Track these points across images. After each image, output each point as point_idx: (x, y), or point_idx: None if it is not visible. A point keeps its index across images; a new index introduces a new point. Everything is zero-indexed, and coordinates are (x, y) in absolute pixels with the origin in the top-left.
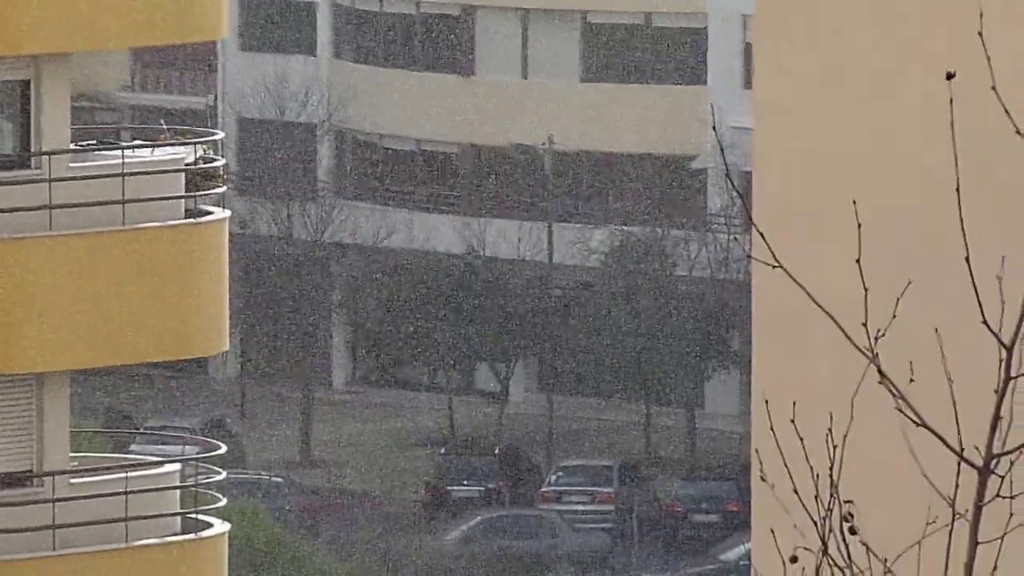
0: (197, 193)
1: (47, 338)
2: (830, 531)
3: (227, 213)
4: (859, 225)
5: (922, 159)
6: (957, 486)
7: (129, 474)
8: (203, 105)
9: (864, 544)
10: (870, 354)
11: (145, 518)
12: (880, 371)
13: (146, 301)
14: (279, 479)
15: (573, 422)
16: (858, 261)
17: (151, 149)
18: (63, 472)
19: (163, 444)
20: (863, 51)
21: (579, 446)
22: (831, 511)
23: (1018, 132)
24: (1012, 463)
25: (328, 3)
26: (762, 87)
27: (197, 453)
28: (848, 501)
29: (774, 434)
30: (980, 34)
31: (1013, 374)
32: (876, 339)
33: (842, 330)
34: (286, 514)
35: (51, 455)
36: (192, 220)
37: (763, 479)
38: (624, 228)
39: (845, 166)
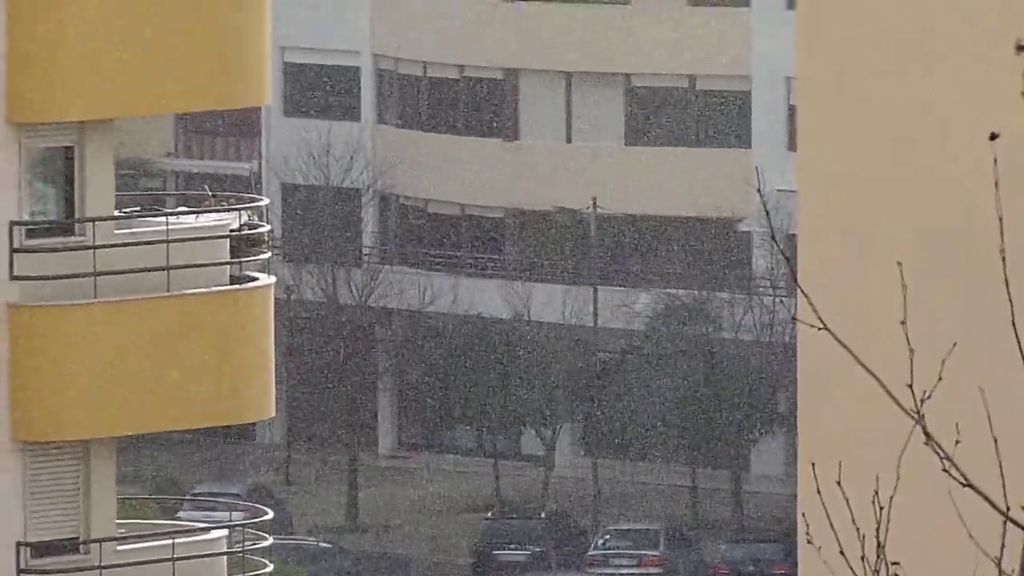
0: (242, 259)
1: (93, 405)
2: None
3: (272, 279)
4: (904, 287)
5: (969, 221)
6: (1003, 546)
7: (176, 540)
8: (247, 171)
9: None
10: (916, 415)
11: None
12: (926, 432)
13: (192, 367)
14: (327, 544)
15: (619, 485)
16: (903, 323)
17: (195, 215)
18: (110, 539)
19: (210, 510)
20: (907, 114)
21: (625, 510)
22: (878, 573)
23: None
24: None
25: (371, 69)
26: (806, 149)
27: (244, 519)
28: (895, 563)
29: (820, 496)
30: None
31: None
32: (922, 401)
33: (888, 391)
34: None
35: (98, 522)
36: (237, 286)
37: (810, 541)
38: (669, 291)
39: (890, 230)
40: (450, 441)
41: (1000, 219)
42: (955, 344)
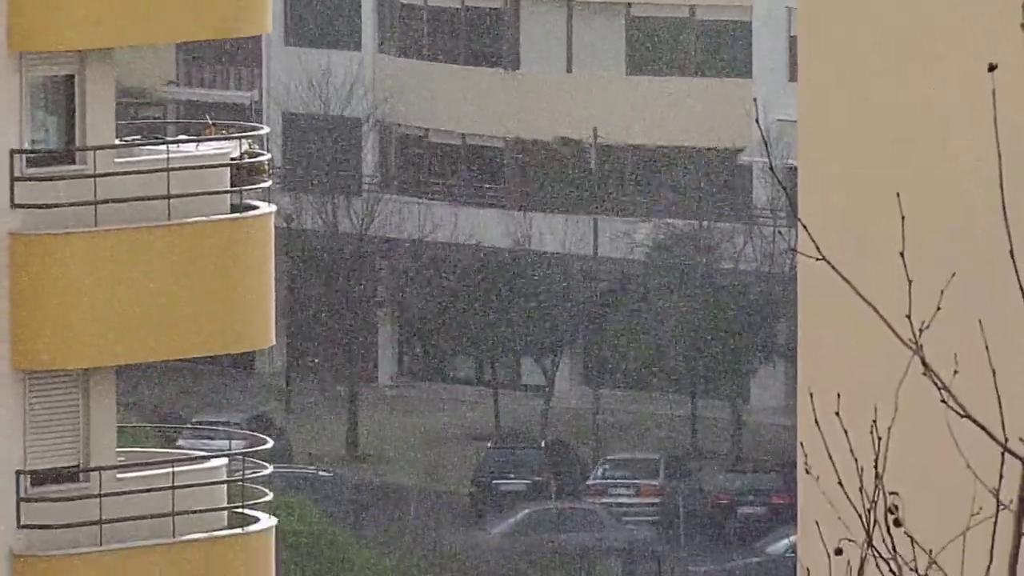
0: (242, 188)
1: (93, 334)
2: (875, 523)
3: (272, 208)
4: (903, 217)
5: (970, 151)
6: (1001, 477)
7: (176, 469)
8: (248, 100)
9: (909, 536)
10: (914, 346)
11: (192, 513)
12: (924, 363)
13: (192, 296)
14: (326, 473)
15: (619, 415)
16: (902, 254)
17: (196, 144)
18: (110, 467)
19: (210, 439)
20: (910, 43)
21: (625, 439)
22: (876, 503)
23: None
24: None
25: None
26: (807, 80)
27: (244, 448)
28: (893, 493)
29: (819, 427)
30: (1023, 26)
31: None
32: (920, 331)
33: (886, 322)
34: (333, 508)
35: (98, 450)
36: (237, 215)
37: (808, 472)
38: (669, 221)
39: (890, 159)
40: (450, 371)
41: (998, 150)
42: (953, 274)
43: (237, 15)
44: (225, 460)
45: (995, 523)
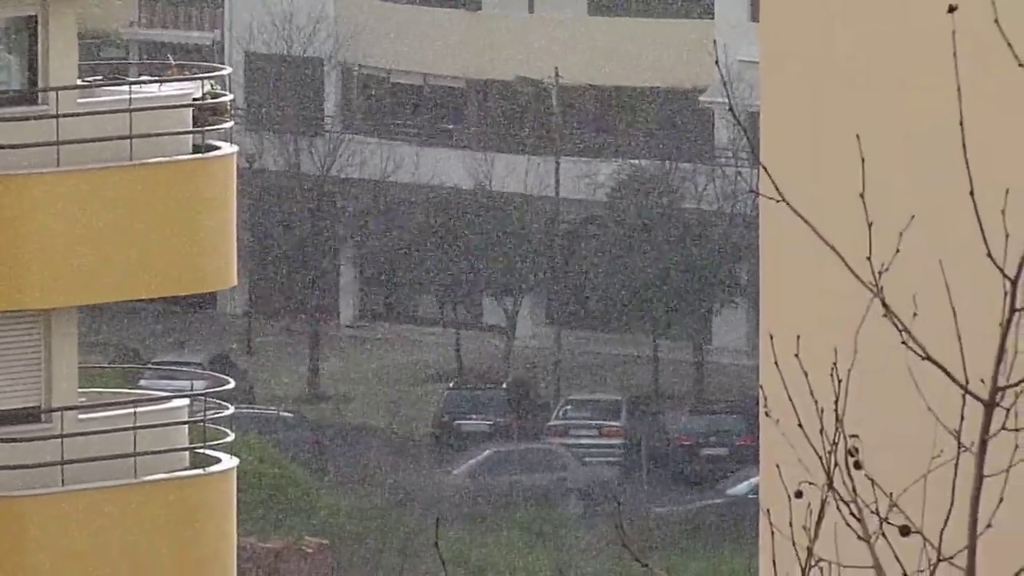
0: (204, 128)
1: (54, 274)
2: (835, 466)
3: (234, 148)
4: (863, 159)
5: (931, 92)
6: (962, 419)
7: (138, 409)
8: (210, 40)
9: (869, 478)
10: (874, 288)
11: (154, 453)
12: (885, 305)
13: (154, 236)
14: (288, 414)
15: (581, 356)
16: (861, 195)
17: (158, 85)
18: (71, 408)
19: (172, 379)
20: None
21: (587, 380)
22: (836, 446)
23: (1021, 64)
24: (1017, 396)
25: None
26: (768, 20)
27: (205, 388)
28: (853, 436)
29: (779, 369)
30: None
31: (1018, 306)
32: (880, 273)
33: (846, 264)
34: (294, 449)
35: (59, 391)
36: (199, 155)
37: (768, 415)
38: (631, 162)
39: (852, 101)
40: (412, 311)
41: (959, 88)
42: (913, 216)
43: None
44: (187, 400)
45: (956, 465)
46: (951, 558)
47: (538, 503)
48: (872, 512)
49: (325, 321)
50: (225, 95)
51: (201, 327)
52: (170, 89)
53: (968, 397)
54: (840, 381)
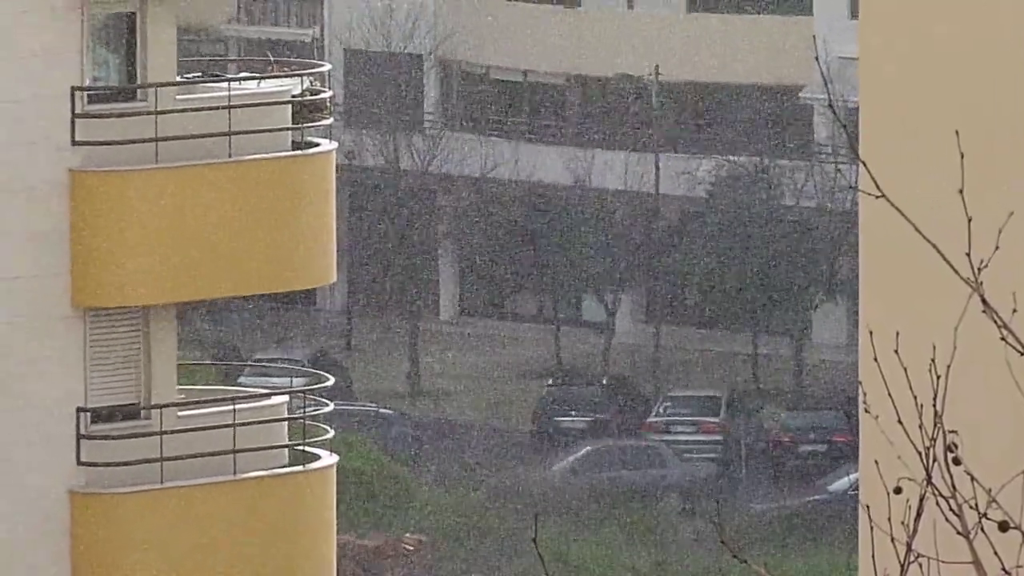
0: (304, 125)
1: (153, 271)
2: (934, 461)
3: (334, 145)
4: (962, 155)
5: None
6: None
7: (237, 406)
8: (309, 37)
9: (968, 474)
10: (974, 284)
11: (253, 450)
12: (984, 301)
13: (253, 233)
14: (388, 411)
15: (680, 352)
16: (961, 191)
17: (257, 81)
18: (170, 405)
19: (271, 376)
20: None
21: (686, 376)
22: (935, 442)
23: None
24: None
25: None
26: (868, 17)
27: (305, 385)
28: (952, 431)
29: (879, 365)
30: None
31: None
32: (980, 270)
33: (946, 260)
34: (394, 446)
35: (158, 388)
36: (299, 152)
37: (867, 411)
38: (731, 158)
39: (951, 97)
40: (511, 307)
41: None
42: (1012, 213)
43: None
44: (286, 397)
45: None
46: None
47: (637, 500)
48: (971, 508)
49: (425, 318)
50: (324, 91)
51: (301, 324)
52: (269, 86)
53: None
54: (939, 377)
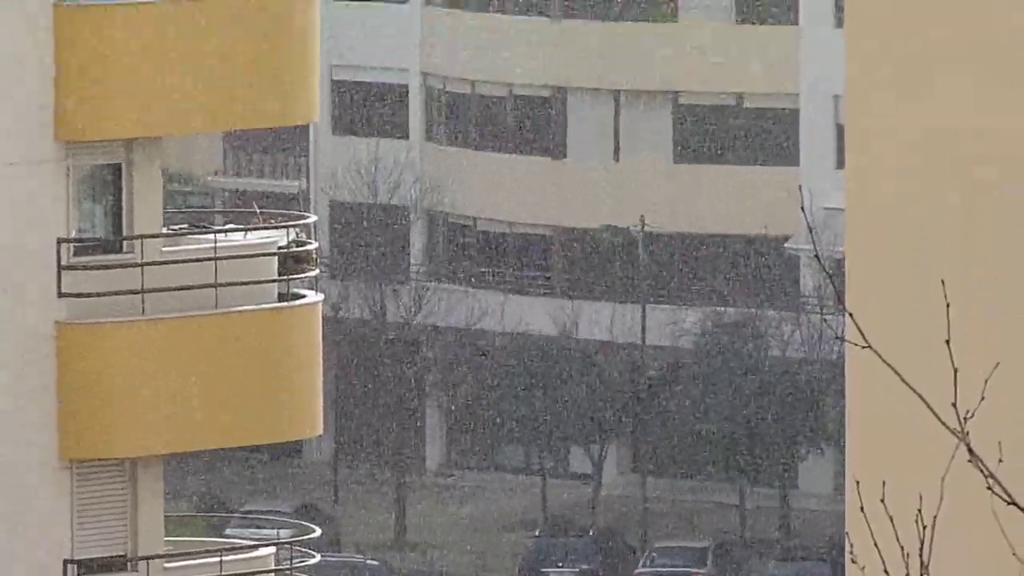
0: (290, 277)
1: (140, 423)
2: None
3: (320, 296)
4: (948, 306)
5: (1014, 241)
6: None
7: (224, 558)
8: (295, 189)
9: None
10: (960, 434)
11: None
12: (970, 450)
13: (240, 385)
14: (374, 562)
15: (666, 503)
16: (947, 342)
17: (244, 233)
18: (158, 556)
19: (258, 528)
20: (955, 130)
21: (673, 527)
22: None
23: None
24: None
25: (420, 86)
26: (854, 168)
27: (291, 536)
28: None
29: (865, 515)
30: None
31: None
32: (966, 419)
33: (932, 410)
34: None
35: (145, 539)
36: (285, 304)
37: (854, 561)
38: (717, 309)
39: (936, 249)
40: (498, 459)
41: None
42: (998, 364)
43: (284, 104)
44: (273, 548)
45: None
46: None
47: None
48: None
49: (411, 468)
50: (310, 243)
51: (288, 475)
52: (255, 238)
53: None
54: (925, 527)
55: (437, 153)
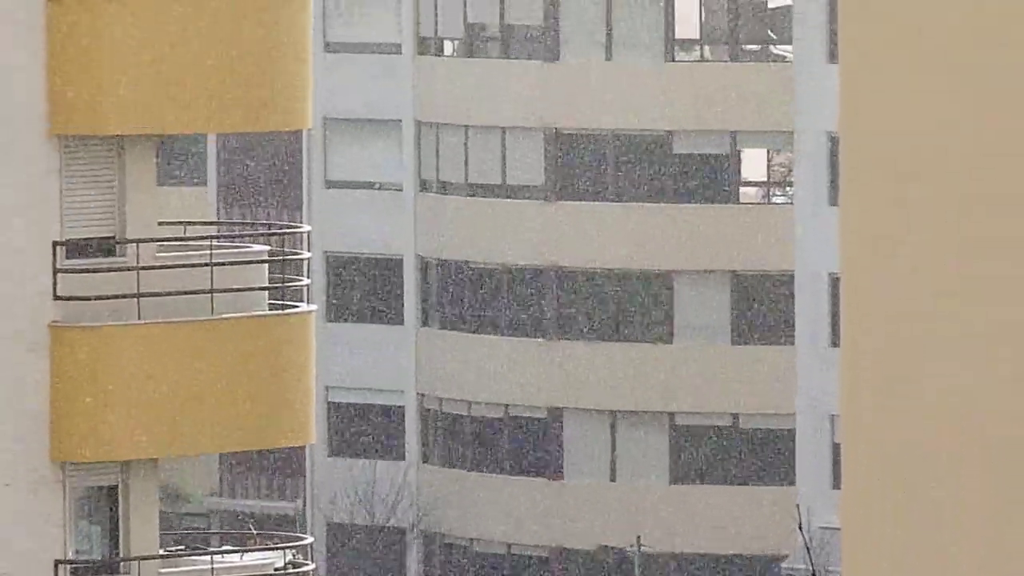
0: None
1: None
2: None
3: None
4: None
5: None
6: None
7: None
8: (292, 510)
9: None
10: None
11: None
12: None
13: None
14: None
15: None
16: None
17: (240, 554)
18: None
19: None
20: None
21: None
22: None
23: None
24: None
25: (416, 408)
26: (850, 486)
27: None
28: None
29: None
30: None
31: None
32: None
33: None
34: None
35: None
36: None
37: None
38: None
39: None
40: None
41: None
42: None
43: (281, 425)
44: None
45: None
46: None
47: None
48: None
49: None
50: (307, 564)
51: None
52: (252, 558)
53: None
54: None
55: (434, 474)
